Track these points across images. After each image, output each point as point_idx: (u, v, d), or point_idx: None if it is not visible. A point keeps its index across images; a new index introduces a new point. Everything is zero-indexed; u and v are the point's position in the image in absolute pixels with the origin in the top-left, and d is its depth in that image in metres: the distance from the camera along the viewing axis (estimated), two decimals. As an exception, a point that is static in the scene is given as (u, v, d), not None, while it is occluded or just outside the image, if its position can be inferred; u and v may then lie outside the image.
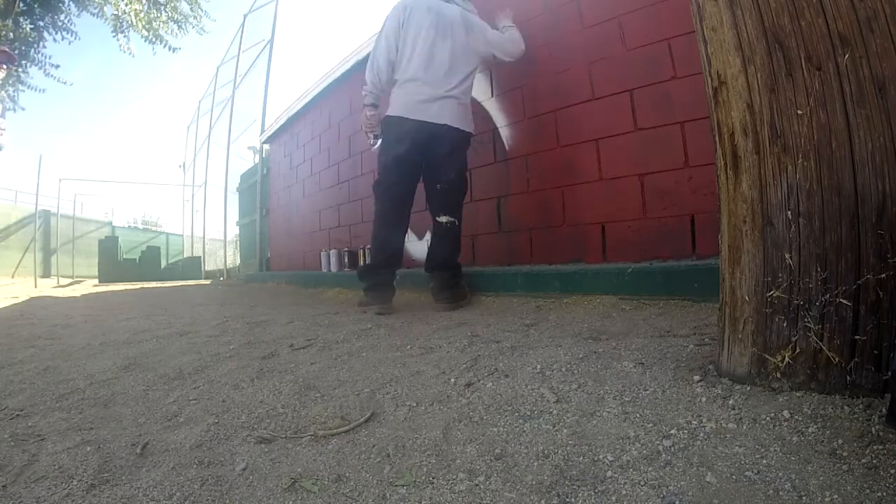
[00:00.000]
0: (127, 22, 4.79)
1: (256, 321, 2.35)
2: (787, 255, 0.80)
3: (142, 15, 4.81)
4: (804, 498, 0.56)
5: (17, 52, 4.92)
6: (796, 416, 0.72)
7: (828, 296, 0.76)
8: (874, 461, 0.60)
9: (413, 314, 2.20)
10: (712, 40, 0.89)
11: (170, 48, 5.23)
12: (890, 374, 0.67)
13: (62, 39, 5.15)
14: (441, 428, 0.86)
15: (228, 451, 0.86)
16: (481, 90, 2.97)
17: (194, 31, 5.55)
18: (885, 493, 0.55)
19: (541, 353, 1.22)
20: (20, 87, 5.31)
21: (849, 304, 0.74)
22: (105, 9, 4.91)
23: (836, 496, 0.56)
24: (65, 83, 5.46)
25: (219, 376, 1.33)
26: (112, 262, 10.03)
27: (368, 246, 3.95)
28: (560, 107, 2.47)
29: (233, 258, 9.93)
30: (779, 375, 0.81)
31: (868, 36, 0.71)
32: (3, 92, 5.04)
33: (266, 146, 7.01)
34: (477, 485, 0.68)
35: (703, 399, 0.83)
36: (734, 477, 0.61)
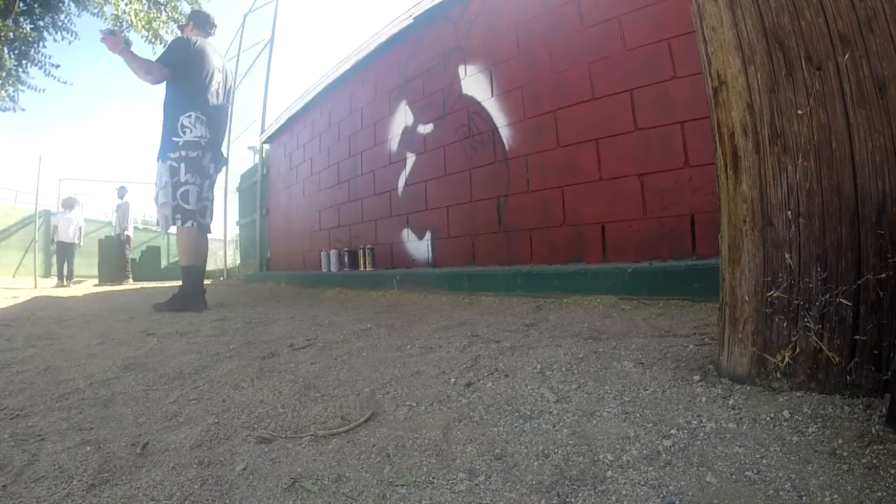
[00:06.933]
0: (127, 22, 4.79)
1: (256, 321, 2.35)
2: (787, 255, 0.80)
3: (142, 15, 4.81)
4: (804, 498, 0.56)
5: (17, 51, 4.92)
6: (796, 416, 0.72)
7: (828, 296, 0.76)
8: (874, 461, 0.60)
9: (413, 314, 2.19)
10: (712, 40, 0.89)
11: (170, 48, 5.22)
12: (890, 374, 0.68)
13: (62, 39, 5.15)
14: (441, 428, 0.86)
15: (228, 450, 0.86)
16: (481, 90, 2.98)
17: (194, 32, 5.54)
18: (885, 493, 0.55)
19: (541, 353, 1.22)
20: (20, 87, 5.31)
21: (849, 304, 0.74)
22: (105, 9, 4.91)
23: (836, 496, 0.56)
24: (65, 83, 5.45)
25: (219, 376, 1.33)
26: (112, 262, 10.01)
27: (369, 246, 3.97)
28: (560, 107, 2.47)
29: (233, 258, 9.93)
30: (779, 375, 0.81)
31: (868, 36, 0.71)
32: (3, 92, 5.03)
33: (266, 146, 7.02)
34: (477, 485, 0.68)
35: (703, 399, 0.83)
36: (734, 477, 0.61)
